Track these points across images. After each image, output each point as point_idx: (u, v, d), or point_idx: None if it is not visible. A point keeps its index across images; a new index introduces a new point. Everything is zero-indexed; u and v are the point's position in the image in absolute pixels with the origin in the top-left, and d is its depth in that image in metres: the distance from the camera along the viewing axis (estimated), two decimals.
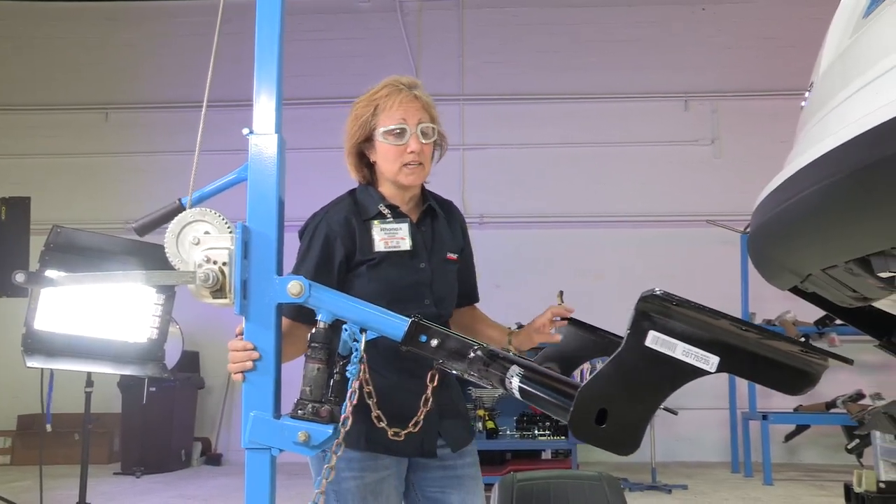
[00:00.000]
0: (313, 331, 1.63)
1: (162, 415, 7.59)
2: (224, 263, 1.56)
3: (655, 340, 0.98)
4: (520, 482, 2.50)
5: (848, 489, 2.26)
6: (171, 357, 7.33)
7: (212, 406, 8.62)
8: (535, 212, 8.68)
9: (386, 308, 1.68)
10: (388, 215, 2.06)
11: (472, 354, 1.61)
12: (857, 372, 7.06)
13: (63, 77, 9.37)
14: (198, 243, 1.58)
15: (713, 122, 8.81)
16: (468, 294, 2.28)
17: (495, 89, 8.92)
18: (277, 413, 1.63)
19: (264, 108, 1.67)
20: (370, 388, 1.74)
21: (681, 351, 0.98)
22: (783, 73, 7.93)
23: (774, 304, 7.17)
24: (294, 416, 1.60)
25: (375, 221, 2.04)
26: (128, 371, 4.63)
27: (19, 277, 1.57)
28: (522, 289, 7.77)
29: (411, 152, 2.02)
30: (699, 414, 7.76)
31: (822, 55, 1.86)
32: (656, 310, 0.98)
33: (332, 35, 9.04)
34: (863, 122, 1.23)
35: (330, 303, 1.63)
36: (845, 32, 1.70)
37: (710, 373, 0.98)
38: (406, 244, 2.03)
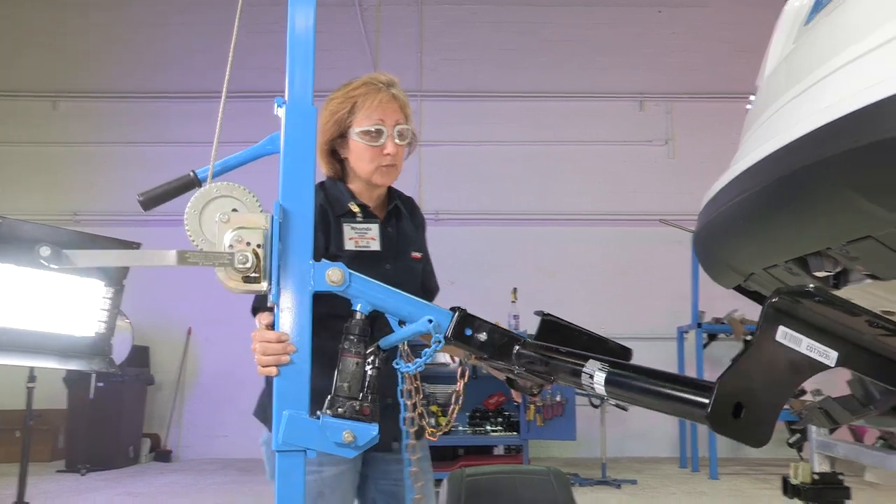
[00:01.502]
0: (350, 322, 1.52)
1: (109, 411, 7.46)
2: (259, 245, 1.41)
3: (784, 335, 1.01)
4: (469, 477, 2.52)
5: (785, 481, 2.31)
6: (120, 352, 7.16)
7: (162, 402, 8.50)
8: (492, 209, 8.72)
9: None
10: (359, 214, 2.03)
11: (517, 349, 1.55)
12: None
13: (8, 63, 9.14)
14: (227, 221, 1.42)
15: (667, 122, 8.94)
16: (431, 290, 2.28)
17: (453, 86, 8.94)
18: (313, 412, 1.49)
19: (300, 76, 1.51)
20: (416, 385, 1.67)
21: (805, 346, 1.02)
22: (736, 77, 8.07)
23: (724, 302, 7.29)
24: (335, 415, 1.46)
25: (346, 220, 2.02)
26: (73, 366, 4.51)
27: (44, 251, 1.36)
28: (478, 285, 7.81)
29: (387, 154, 2.01)
30: (649, 410, 7.88)
31: (767, 60, 1.91)
32: (787, 305, 1.01)
33: (282, 27, 8.96)
34: (796, 128, 1.27)
35: (369, 293, 1.52)
36: (788, 39, 1.74)
37: (830, 367, 1.02)
38: (376, 245, 2.00)
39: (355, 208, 2.03)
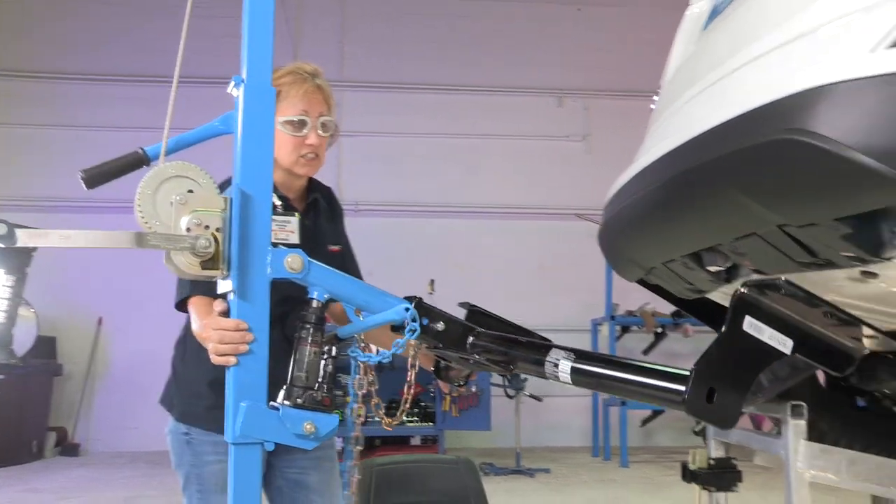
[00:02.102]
0: (307, 310, 1.48)
1: (12, 404, 7.17)
2: (217, 229, 1.35)
3: (750, 325, 1.07)
4: (379, 466, 2.53)
5: (684, 467, 2.40)
6: (23, 342, 6.95)
7: (70, 394, 8.22)
8: (410, 200, 8.74)
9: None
10: (279, 207, 2.00)
11: (472, 339, 1.55)
12: None
13: None
14: (184, 203, 1.35)
15: (585, 119, 9.12)
16: None
17: (375, 77, 8.90)
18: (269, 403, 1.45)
19: (258, 55, 1.46)
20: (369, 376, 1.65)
21: (767, 335, 1.07)
22: (652, 75, 8.26)
23: (637, 295, 7.51)
24: (294, 406, 1.42)
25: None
26: None
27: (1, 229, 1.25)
28: (395, 276, 7.79)
29: (310, 144, 2.00)
30: (564, 401, 8.06)
31: (670, 61, 1.98)
32: (753, 297, 1.07)
33: (210, 13, 8.76)
34: (689, 129, 1.32)
35: (328, 281, 1.49)
36: (688, 42, 1.81)
37: (787, 354, 1.07)
38: (295, 238, 1.96)
39: (276, 201, 2.00)
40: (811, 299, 1.09)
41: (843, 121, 0.96)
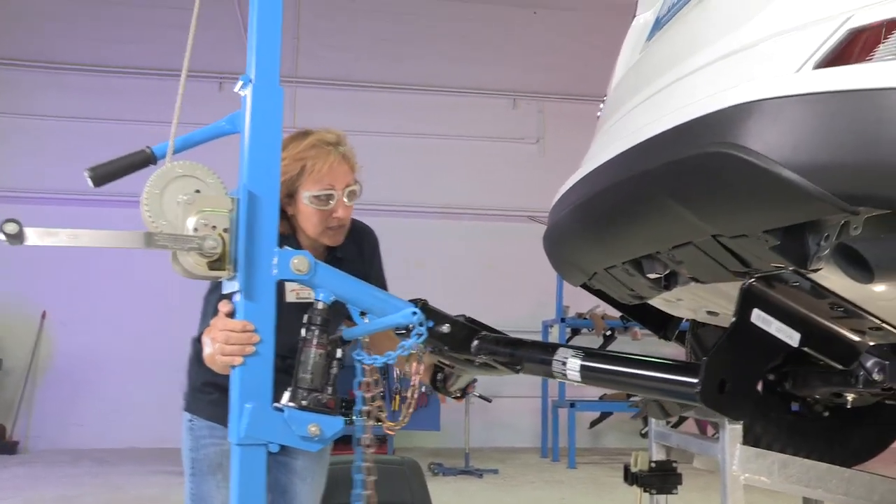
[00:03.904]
0: (312, 311, 1.49)
1: None
2: (225, 230, 1.35)
3: (758, 318, 1.07)
4: None
5: (626, 469, 2.44)
6: None
7: (9, 389, 8.01)
8: (362, 199, 8.66)
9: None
10: None
11: (477, 341, 1.58)
12: None
13: None
14: (191, 203, 1.34)
15: (539, 121, 9.19)
16: None
17: (329, 74, 8.85)
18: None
19: (267, 54, 1.45)
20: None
21: (775, 328, 1.08)
22: (607, 80, 8.40)
23: (587, 298, 7.57)
24: (299, 408, 1.42)
25: None
26: None
27: (10, 228, 1.25)
28: None
29: (336, 217, 2.01)
30: (514, 402, 8.11)
31: (616, 70, 2.01)
32: (760, 290, 1.09)
33: (162, 3, 8.63)
34: (629, 138, 1.35)
35: (333, 283, 1.49)
36: (633, 51, 1.84)
37: (794, 347, 1.08)
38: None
39: None
40: (817, 292, 1.11)
41: (770, 136, 1.00)
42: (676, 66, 1.34)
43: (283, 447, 2.16)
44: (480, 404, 7.12)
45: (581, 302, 7.83)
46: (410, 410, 1.83)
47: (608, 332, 7.60)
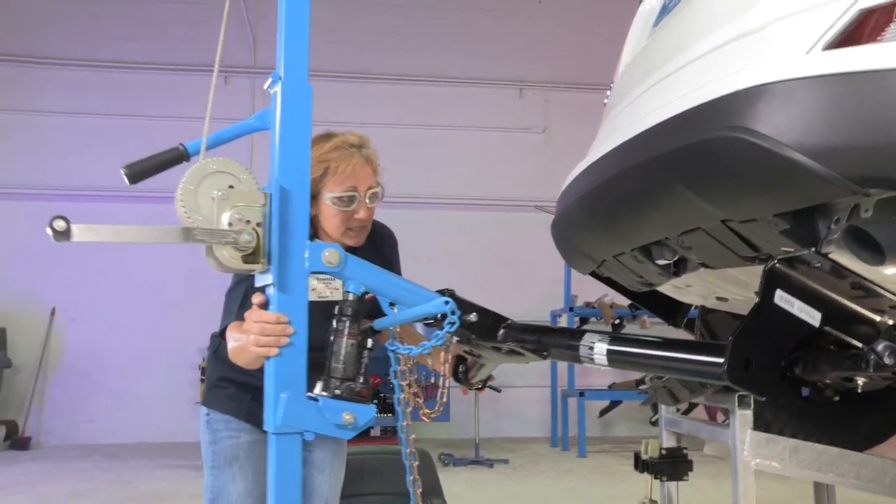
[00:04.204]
0: (343, 303, 1.52)
1: None
2: (258, 224, 1.39)
3: (781, 298, 1.08)
4: None
5: (637, 457, 2.44)
6: None
7: (20, 386, 8.06)
8: None
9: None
10: None
11: (504, 330, 1.64)
12: None
13: None
14: (225, 198, 1.38)
15: (545, 111, 9.17)
16: None
17: (331, 66, 8.83)
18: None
19: (295, 52, 1.47)
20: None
21: (797, 308, 1.09)
22: (613, 69, 8.37)
23: (595, 287, 7.56)
24: (333, 397, 1.46)
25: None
26: None
27: (59, 225, 1.30)
28: None
29: (358, 218, 2.03)
30: (523, 392, 8.11)
31: (622, 57, 2.00)
32: (783, 271, 1.10)
33: None
34: (637, 124, 1.34)
35: (363, 275, 1.53)
36: (640, 38, 1.83)
37: (816, 326, 1.10)
38: (338, 294, 2.01)
39: None
40: (838, 272, 1.11)
41: (779, 119, 0.99)
42: (684, 52, 1.33)
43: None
44: (490, 395, 7.12)
45: (589, 291, 7.82)
46: (444, 400, 1.88)
47: (617, 321, 7.59)
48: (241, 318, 1.90)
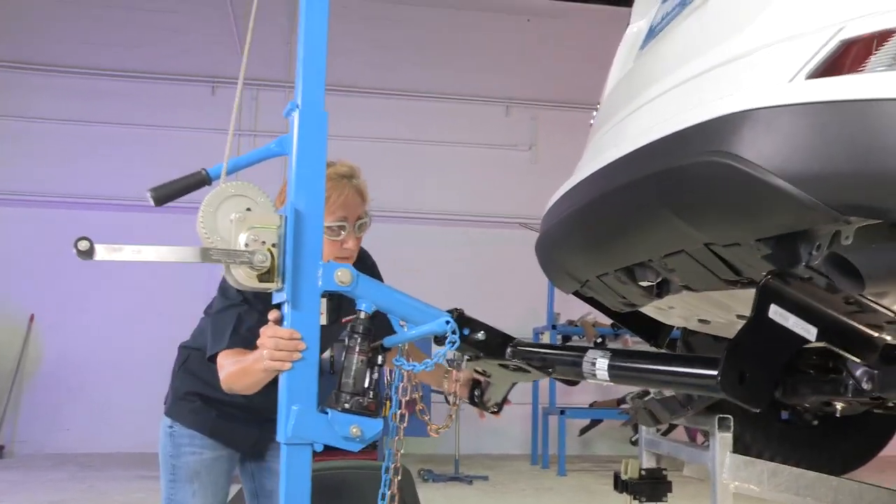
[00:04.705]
0: (355, 321, 1.58)
1: None
2: (273, 245, 1.46)
3: (775, 313, 1.10)
4: (314, 473, 2.51)
5: (616, 477, 2.45)
6: None
7: None
8: None
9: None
10: None
11: (511, 348, 1.69)
12: None
13: None
14: (243, 220, 1.46)
15: (532, 128, 9.21)
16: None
17: None
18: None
19: (313, 82, 1.55)
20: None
21: (791, 322, 1.10)
22: (599, 88, 8.41)
23: (578, 305, 7.58)
24: (342, 410, 1.52)
25: None
26: None
27: (82, 245, 1.35)
28: None
29: (346, 248, 2.05)
30: (504, 409, 8.08)
31: (609, 78, 2.02)
32: (777, 286, 1.11)
33: (155, 6, 8.63)
34: (622, 146, 1.35)
35: (375, 294, 1.59)
36: (627, 60, 1.85)
37: (811, 341, 1.10)
38: (323, 319, 2.04)
39: None
40: (832, 287, 1.13)
41: (762, 145, 1.00)
42: (670, 75, 1.34)
43: (264, 453, 2.26)
44: (471, 410, 7.12)
45: (572, 309, 7.84)
46: (452, 416, 1.95)
47: (599, 340, 7.60)
48: (235, 344, 1.92)
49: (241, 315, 1.98)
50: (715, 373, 1.09)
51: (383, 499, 1.75)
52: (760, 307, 1.09)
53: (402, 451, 1.74)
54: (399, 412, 1.70)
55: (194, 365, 2.20)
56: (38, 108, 8.41)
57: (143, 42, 8.59)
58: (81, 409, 8.05)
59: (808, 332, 1.10)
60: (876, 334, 1.18)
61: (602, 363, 1.47)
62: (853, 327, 1.16)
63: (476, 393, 2.14)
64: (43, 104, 8.42)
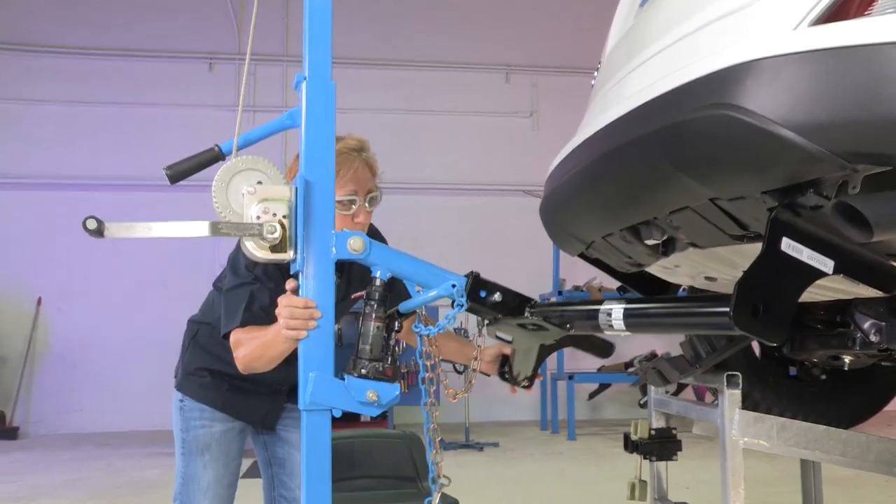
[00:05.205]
0: (371, 288, 1.60)
1: None
2: (284, 216, 1.48)
3: (788, 246, 1.08)
4: None
5: (626, 438, 2.46)
6: None
7: (7, 377, 8.03)
8: None
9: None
10: None
11: (529, 308, 1.71)
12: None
13: None
14: (254, 193, 1.48)
15: (532, 95, 9.15)
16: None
17: None
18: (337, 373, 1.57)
19: (320, 53, 1.57)
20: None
21: (806, 255, 1.09)
22: (600, 52, 8.34)
23: (583, 270, 7.61)
24: (359, 376, 1.54)
25: None
26: None
27: (91, 224, 1.36)
28: None
29: (357, 222, 2.04)
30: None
31: (609, 37, 2.00)
32: (788, 218, 1.09)
33: None
34: (625, 104, 1.34)
35: (388, 260, 1.61)
36: (627, 17, 1.82)
37: (828, 274, 1.09)
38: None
39: None
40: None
41: (767, 96, 0.99)
42: (671, 30, 1.32)
43: (275, 423, 2.28)
44: (481, 378, 7.15)
45: (577, 275, 7.85)
46: (472, 382, 1.95)
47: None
48: (248, 322, 1.94)
49: (253, 293, 1.98)
50: (727, 309, 1.08)
51: (431, 462, 1.79)
52: (772, 241, 1.08)
53: (437, 412, 1.74)
54: (427, 375, 1.71)
55: (204, 339, 2.21)
56: (35, 90, 8.37)
57: (139, 20, 8.52)
58: (92, 390, 8.12)
59: (825, 265, 1.09)
60: (894, 263, 1.17)
61: (618, 313, 1.47)
62: (873, 258, 1.15)
63: (505, 368, 2.14)
64: (39, 86, 8.38)
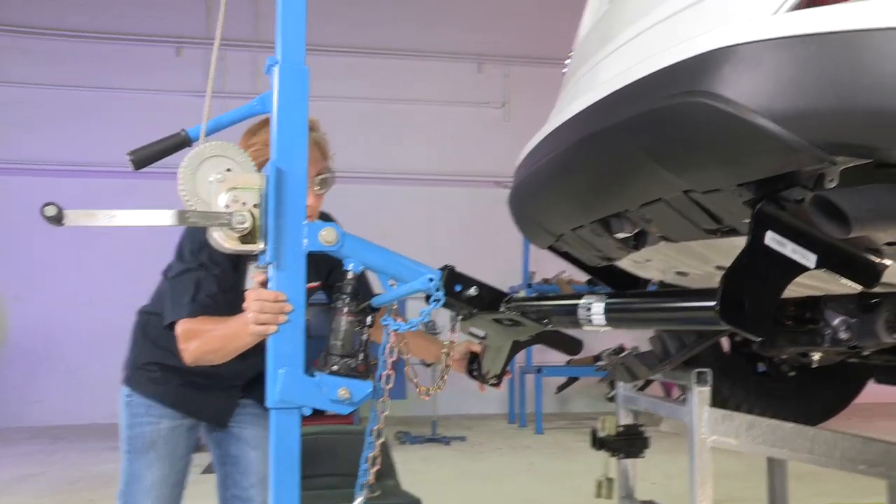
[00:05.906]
0: (343, 282, 1.55)
1: None
2: (255, 205, 1.42)
3: (772, 240, 1.07)
4: None
5: (594, 434, 2.43)
6: None
7: None
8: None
9: None
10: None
11: (505, 303, 1.67)
12: None
13: None
14: (223, 181, 1.42)
15: (504, 85, 9.10)
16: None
17: None
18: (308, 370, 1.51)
19: (292, 36, 1.51)
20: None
21: (790, 249, 1.08)
22: (572, 43, 8.32)
23: (553, 263, 7.57)
24: (330, 373, 1.50)
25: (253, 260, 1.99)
26: None
27: (49, 211, 1.30)
28: None
29: (308, 206, 1.96)
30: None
31: (582, 24, 1.95)
32: (773, 211, 1.08)
33: None
34: (596, 91, 1.29)
35: (362, 253, 1.56)
36: (601, 3, 1.77)
37: (811, 268, 1.08)
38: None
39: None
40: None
41: (744, 83, 0.94)
42: (646, 16, 1.28)
43: (227, 420, 2.20)
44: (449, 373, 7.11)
45: (547, 267, 7.83)
46: (444, 379, 1.88)
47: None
48: (196, 312, 1.86)
49: (199, 280, 1.90)
50: (713, 303, 1.05)
51: (367, 462, 1.71)
52: (755, 234, 1.05)
53: (386, 412, 1.69)
54: (385, 373, 1.66)
55: (154, 331, 2.11)
56: (6, 71, 8.15)
57: (106, 2, 8.32)
58: (54, 381, 7.95)
59: (808, 258, 1.07)
60: (877, 259, 1.15)
61: (598, 307, 1.44)
62: (854, 253, 1.12)
63: (473, 366, 2.09)
64: (10, 67, 8.16)
